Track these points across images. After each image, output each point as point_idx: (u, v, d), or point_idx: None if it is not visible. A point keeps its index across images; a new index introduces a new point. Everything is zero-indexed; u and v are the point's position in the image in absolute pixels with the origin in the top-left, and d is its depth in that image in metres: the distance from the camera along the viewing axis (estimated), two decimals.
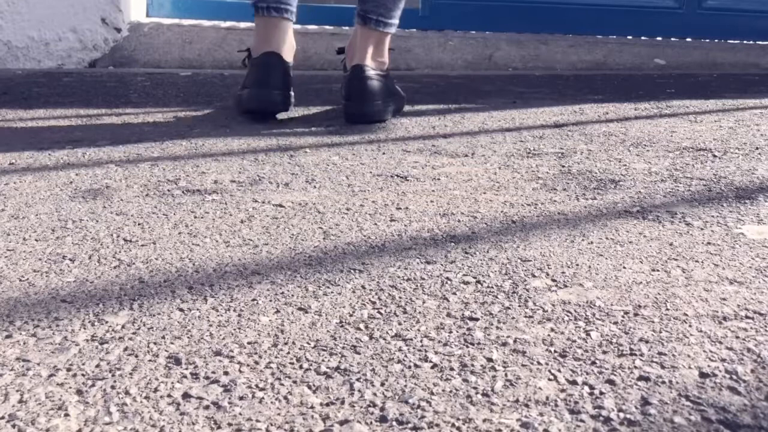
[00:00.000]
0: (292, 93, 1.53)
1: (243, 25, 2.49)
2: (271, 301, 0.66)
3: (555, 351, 0.57)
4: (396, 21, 1.54)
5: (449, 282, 0.71)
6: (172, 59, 2.39)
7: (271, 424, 0.48)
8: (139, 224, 0.86)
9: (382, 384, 0.53)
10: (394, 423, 0.48)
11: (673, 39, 2.71)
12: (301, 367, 0.55)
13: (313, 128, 1.44)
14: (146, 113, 1.57)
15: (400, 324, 0.62)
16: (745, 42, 2.74)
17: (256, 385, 0.52)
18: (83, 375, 0.53)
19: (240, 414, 0.49)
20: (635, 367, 0.55)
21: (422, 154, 1.23)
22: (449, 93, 1.94)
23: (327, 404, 0.50)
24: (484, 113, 1.63)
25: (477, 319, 0.63)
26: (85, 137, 1.33)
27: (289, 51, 1.53)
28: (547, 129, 1.45)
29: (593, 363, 0.56)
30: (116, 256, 0.77)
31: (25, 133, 1.37)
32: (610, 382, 0.53)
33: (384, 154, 1.24)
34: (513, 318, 0.63)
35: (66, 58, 2.35)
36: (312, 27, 2.57)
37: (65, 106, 1.64)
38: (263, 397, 0.51)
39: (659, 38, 2.72)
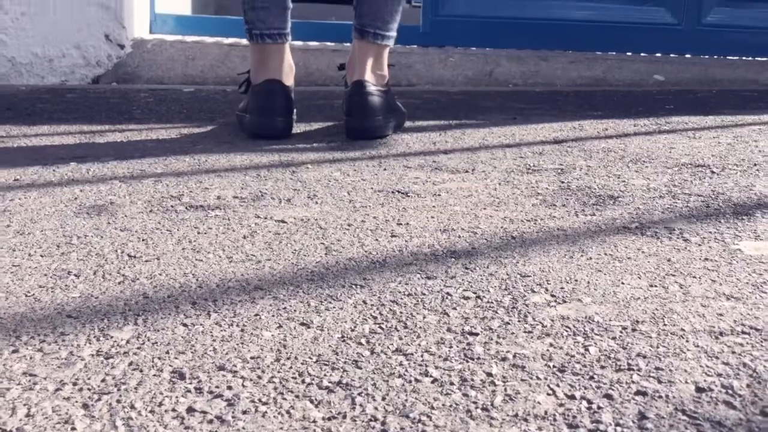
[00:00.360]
0: (295, 116, 1.54)
1: (245, 41, 2.51)
2: (273, 316, 0.67)
3: (554, 366, 0.58)
4: (394, 33, 1.56)
5: (449, 297, 0.72)
6: (175, 75, 2.41)
7: None
8: (143, 240, 0.87)
9: (383, 398, 0.53)
10: None
11: (672, 55, 2.73)
12: (303, 381, 0.56)
13: (315, 144, 1.46)
14: (149, 129, 1.59)
15: (400, 339, 0.63)
16: (744, 58, 2.76)
17: (259, 400, 0.53)
18: (89, 389, 0.54)
19: (243, 428, 0.50)
20: (633, 382, 0.56)
21: (423, 170, 1.24)
22: (450, 109, 1.95)
23: (329, 419, 0.51)
24: (485, 129, 1.64)
25: (477, 334, 0.64)
26: (89, 153, 1.34)
27: (288, 74, 1.55)
28: (546, 145, 1.47)
29: (591, 378, 0.56)
30: (121, 271, 0.78)
31: (29, 149, 1.38)
32: (608, 396, 0.54)
33: (385, 169, 1.25)
34: (512, 333, 0.64)
35: (69, 75, 2.37)
36: (314, 44, 2.59)
37: (69, 122, 1.66)
38: (266, 412, 0.52)
39: (658, 54, 2.73)
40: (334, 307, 0.69)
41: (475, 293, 0.73)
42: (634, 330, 0.64)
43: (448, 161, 1.32)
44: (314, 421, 0.51)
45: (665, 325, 0.66)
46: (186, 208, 1.01)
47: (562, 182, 1.17)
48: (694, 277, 0.77)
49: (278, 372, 0.57)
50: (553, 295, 0.72)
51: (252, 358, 0.59)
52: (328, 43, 2.60)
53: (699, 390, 0.55)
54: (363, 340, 0.63)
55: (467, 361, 0.59)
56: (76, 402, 0.53)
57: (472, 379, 0.56)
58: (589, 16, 2.72)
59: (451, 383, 0.56)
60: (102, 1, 2.34)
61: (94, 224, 0.93)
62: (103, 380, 0.56)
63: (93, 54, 2.37)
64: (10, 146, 1.40)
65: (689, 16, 2.74)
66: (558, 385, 0.55)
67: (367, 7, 1.52)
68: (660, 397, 0.54)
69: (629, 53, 2.72)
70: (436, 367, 0.58)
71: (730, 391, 0.54)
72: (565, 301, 0.71)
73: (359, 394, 0.54)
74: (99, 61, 2.38)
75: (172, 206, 1.02)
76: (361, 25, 1.52)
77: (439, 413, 0.52)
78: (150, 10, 2.57)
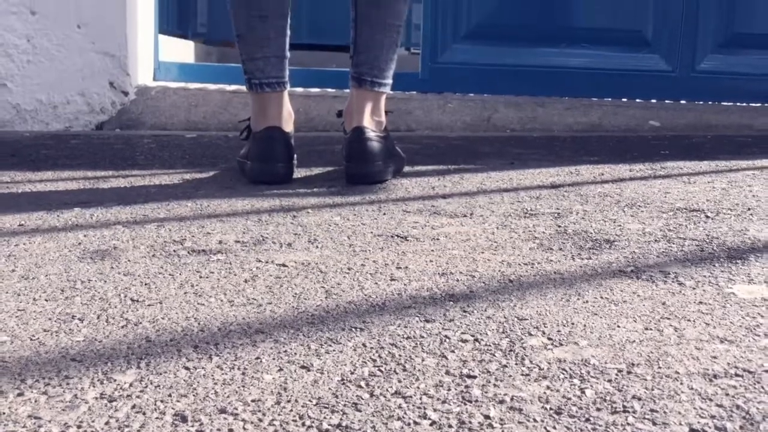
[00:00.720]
0: (295, 161, 1.57)
1: (245, 83, 2.56)
2: (274, 359, 0.68)
3: (551, 408, 0.59)
4: (390, 81, 1.59)
5: (448, 340, 0.73)
6: (178, 121, 2.44)
7: None
8: (146, 284, 0.89)
9: None
10: None
11: (667, 101, 2.78)
12: (303, 424, 0.57)
13: (316, 189, 1.48)
14: (152, 175, 1.61)
15: (399, 381, 0.64)
16: (738, 104, 2.80)
17: None
18: None
19: None
20: (628, 424, 0.57)
21: (422, 215, 1.26)
22: (448, 154, 1.98)
23: None
24: (483, 174, 1.66)
25: (475, 377, 0.65)
26: (92, 199, 1.36)
27: (288, 121, 1.58)
28: (543, 190, 1.49)
29: (587, 420, 0.57)
30: (124, 315, 0.79)
31: (33, 194, 1.40)
32: None
33: (385, 214, 1.27)
34: (510, 376, 0.65)
35: (73, 121, 2.41)
36: (314, 90, 2.63)
37: (73, 168, 1.68)
38: None
39: (654, 101, 2.78)
40: (334, 350, 0.70)
41: (473, 336, 0.74)
42: (629, 372, 0.65)
43: (447, 206, 1.33)
44: None
45: (660, 367, 0.67)
46: (188, 252, 1.03)
47: (559, 226, 1.18)
48: (689, 320, 0.78)
49: (279, 415, 0.58)
50: (549, 338, 0.73)
51: (253, 401, 0.60)
52: (329, 90, 2.64)
53: (693, 431, 0.56)
54: (362, 383, 0.63)
55: (465, 404, 0.60)
56: None
57: (470, 422, 0.57)
58: (584, 63, 2.77)
59: (450, 426, 0.56)
60: (108, 49, 2.38)
61: (98, 269, 0.95)
62: (106, 423, 0.56)
63: (97, 101, 2.41)
64: (15, 192, 1.42)
65: (683, 63, 2.79)
66: (554, 428, 0.56)
67: (364, 57, 1.55)
68: None
69: (624, 99, 2.77)
70: (435, 410, 0.59)
71: None
72: (561, 344, 0.72)
73: None
74: (103, 107, 2.42)
75: (174, 251, 1.03)
76: (359, 73, 1.56)
77: None
78: (154, 58, 2.62)
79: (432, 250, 1.04)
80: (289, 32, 1.58)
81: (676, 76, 2.80)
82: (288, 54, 1.59)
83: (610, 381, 0.64)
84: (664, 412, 0.58)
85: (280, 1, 1.53)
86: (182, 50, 3.37)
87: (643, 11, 2.77)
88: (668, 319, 0.78)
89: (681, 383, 0.63)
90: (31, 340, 0.72)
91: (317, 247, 1.06)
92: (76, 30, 2.37)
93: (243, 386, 0.63)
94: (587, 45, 2.77)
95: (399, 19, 1.56)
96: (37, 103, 2.39)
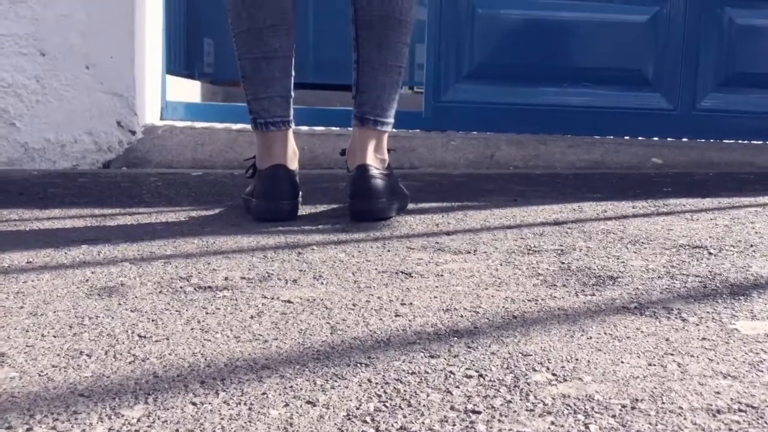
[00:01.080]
0: (300, 199, 1.59)
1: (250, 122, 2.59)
2: (280, 394, 0.69)
3: None
4: (392, 120, 1.61)
5: (452, 376, 0.73)
6: (184, 160, 2.47)
7: None
8: (153, 320, 0.90)
9: None
10: None
11: (669, 139, 2.80)
12: None
13: (320, 226, 1.49)
14: (159, 212, 1.63)
15: (405, 417, 0.64)
16: (740, 141, 2.82)
17: None
18: None
19: None
20: None
21: (426, 251, 1.27)
22: (452, 191, 2.00)
23: None
24: (486, 211, 1.68)
25: (480, 413, 0.65)
26: (100, 236, 1.37)
27: (292, 159, 1.60)
28: (547, 226, 1.50)
29: None
30: (131, 351, 0.79)
31: (41, 232, 1.42)
32: None
33: (389, 251, 1.27)
34: (514, 411, 0.65)
35: (81, 159, 2.44)
36: (319, 128, 2.66)
37: (80, 205, 1.70)
38: None
39: (656, 138, 2.80)
40: (339, 386, 0.71)
41: (477, 372, 0.74)
42: (633, 408, 0.66)
43: (451, 242, 1.34)
44: None
45: (664, 403, 0.67)
46: (195, 289, 1.04)
47: (563, 263, 1.19)
48: (692, 356, 0.79)
49: None
50: (554, 374, 0.73)
51: None
52: (333, 128, 2.67)
53: None
54: (368, 418, 0.64)
55: None
56: None
57: None
58: (586, 102, 2.80)
59: None
60: (116, 89, 2.42)
61: (106, 305, 0.95)
62: None
63: (105, 140, 2.44)
64: (23, 229, 1.44)
65: (684, 101, 2.82)
66: None
67: (367, 96, 1.58)
68: None
69: (627, 137, 2.79)
70: None
71: None
72: (565, 380, 0.72)
73: None
74: (110, 146, 2.45)
75: (181, 287, 1.04)
76: (362, 113, 1.58)
77: None
78: (161, 97, 2.66)
79: (436, 287, 1.05)
80: (293, 72, 1.61)
81: (677, 114, 2.82)
82: (293, 93, 1.61)
83: (614, 416, 0.64)
84: None
85: (285, 42, 1.56)
86: (189, 90, 3.41)
87: (643, 51, 2.81)
88: (672, 354, 0.79)
89: (685, 418, 0.64)
90: (40, 375, 0.73)
91: (322, 283, 1.07)
92: (85, 70, 2.41)
93: (249, 421, 0.63)
94: (588, 84, 2.81)
95: (401, 60, 1.59)
96: (45, 142, 2.42)
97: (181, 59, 3.73)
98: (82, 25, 2.39)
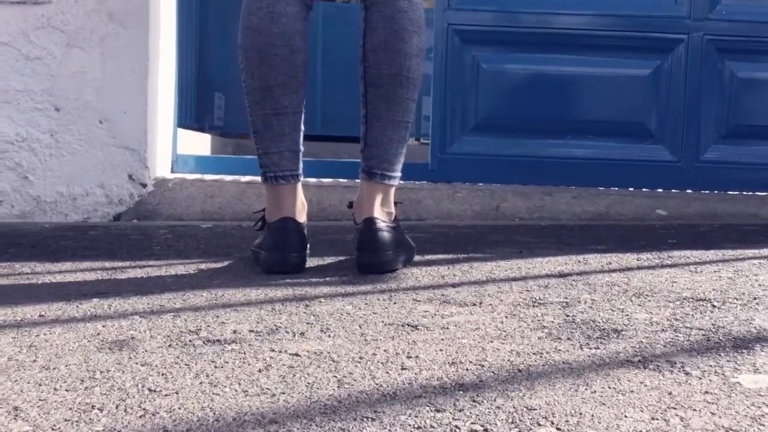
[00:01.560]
0: (308, 251, 1.61)
1: (260, 176, 2.63)
2: None
3: None
4: (399, 174, 1.65)
5: (458, 430, 0.74)
6: (194, 212, 2.51)
7: None
8: (162, 374, 0.91)
9: None
10: None
11: (673, 191, 2.82)
12: None
13: (328, 278, 1.51)
14: (169, 265, 1.65)
15: None
16: (744, 193, 2.84)
17: None
18: None
19: None
20: None
21: (432, 303, 1.29)
22: (458, 243, 2.01)
23: None
24: (492, 263, 1.69)
25: None
26: (111, 289, 1.40)
27: (301, 212, 1.63)
28: (552, 278, 1.51)
29: None
30: (142, 405, 0.81)
31: (53, 285, 1.44)
32: None
33: (395, 303, 1.29)
34: None
35: (92, 212, 2.47)
36: (327, 180, 2.70)
37: (91, 258, 1.73)
38: None
39: (660, 190, 2.82)
40: None
41: (482, 426, 0.75)
42: None
43: (457, 294, 1.36)
44: None
45: None
46: (203, 342, 1.05)
47: (567, 316, 1.20)
48: (695, 409, 0.79)
49: None
50: (558, 428, 0.74)
51: None
52: (341, 180, 2.71)
53: None
54: None
55: None
56: None
57: None
58: (590, 154, 2.84)
59: None
60: (128, 143, 2.47)
61: (116, 359, 0.97)
62: None
63: (116, 193, 2.48)
64: (35, 282, 1.46)
65: (688, 153, 2.85)
66: None
67: (374, 151, 1.61)
68: None
69: (631, 189, 2.81)
70: None
71: None
72: None
73: None
74: (121, 199, 2.48)
75: (190, 341, 1.06)
76: (369, 167, 1.61)
77: None
78: (172, 151, 2.71)
79: (442, 339, 1.06)
80: (302, 127, 1.65)
81: (681, 166, 2.85)
82: (302, 148, 1.65)
83: None
84: None
85: (295, 99, 1.60)
86: (199, 142, 3.47)
87: (646, 104, 2.85)
88: (674, 408, 0.80)
89: None
90: (53, 430, 0.74)
91: (329, 336, 1.08)
92: (98, 125, 2.46)
93: None
94: (592, 137, 2.84)
95: (408, 116, 1.63)
96: (58, 195, 2.46)
97: (192, 113, 3.81)
98: (97, 81, 2.45)
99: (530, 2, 2.83)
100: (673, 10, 2.84)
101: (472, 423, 0.76)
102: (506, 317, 1.19)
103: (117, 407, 0.80)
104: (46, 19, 2.44)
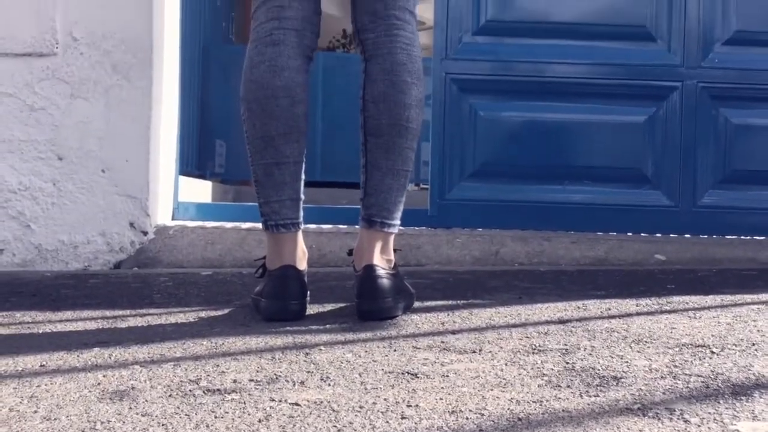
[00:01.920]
0: (308, 298, 1.62)
1: (261, 225, 2.65)
2: None
3: None
4: (398, 221, 1.66)
5: None
6: (194, 259, 2.52)
7: None
8: (162, 425, 0.91)
9: None
10: None
11: (672, 235, 2.83)
12: None
13: (328, 325, 1.51)
14: (169, 313, 1.66)
15: None
16: (742, 237, 2.85)
17: None
18: None
19: None
20: None
21: (432, 351, 1.29)
22: (457, 289, 2.02)
23: None
24: (492, 309, 1.70)
25: None
26: (111, 338, 1.40)
27: (302, 259, 1.65)
28: (552, 325, 1.52)
29: None
30: None
31: (54, 334, 1.44)
32: None
33: (395, 351, 1.29)
34: None
35: (92, 260, 2.48)
36: (327, 226, 2.72)
37: (92, 307, 1.73)
38: None
39: (658, 234, 2.84)
40: None
41: None
42: None
43: (456, 341, 1.36)
44: None
45: None
46: (204, 392, 1.05)
47: (567, 363, 1.21)
48: None
49: None
50: None
51: None
52: (341, 226, 2.73)
53: None
54: None
55: None
56: None
57: None
58: (588, 199, 2.86)
59: None
60: (130, 192, 2.50)
61: (117, 410, 0.97)
62: None
63: (117, 241, 2.50)
64: (36, 332, 1.47)
65: (685, 198, 2.87)
66: None
67: (374, 199, 1.63)
68: None
69: (630, 233, 2.83)
70: None
71: None
72: None
73: None
74: (122, 247, 2.50)
75: (190, 390, 1.06)
76: (369, 215, 1.63)
77: None
78: (173, 198, 2.73)
79: (442, 388, 1.07)
80: (303, 176, 1.67)
81: (678, 211, 2.87)
82: (303, 196, 1.67)
83: None
84: None
85: (296, 148, 1.62)
86: (200, 189, 3.50)
87: (642, 150, 2.88)
88: None
89: None
90: None
91: (329, 384, 1.08)
92: (101, 174, 2.49)
93: None
94: (590, 182, 2.87)
95: (407, 165, 1.65)
96: (59, 243, 2.47)
97: (194, 160, 3.85)
98: (101, 131, 2.49)
99: (525, 52, 2.89)
100: (666, 58, 2.89)
101: None
102: (506, 365, 1.20)
103: None
104: (51, 70, 2.49)
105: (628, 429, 0.89)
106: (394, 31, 1.65)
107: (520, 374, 1.14)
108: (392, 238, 1.67)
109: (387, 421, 0.92)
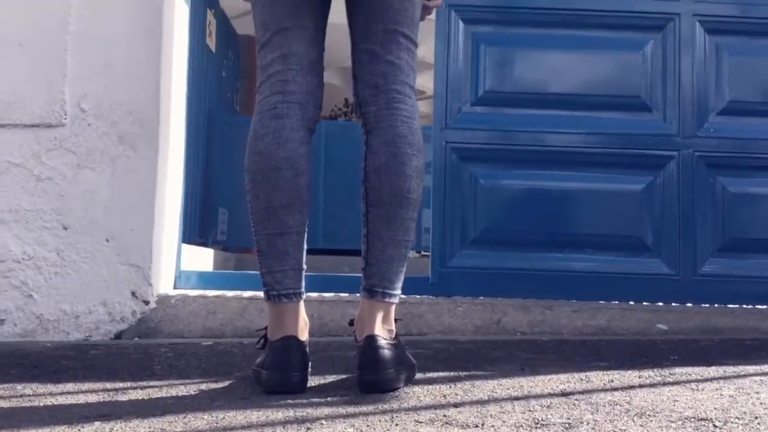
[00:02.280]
0: (309, 369, 1.62)
1: (263, 293, 2.65)
2: None
3: None
4: (399, 291, 1.67)
5: None
6: (195, 329, 2.51)
7: None
8: None
9: None
10: None
11: (674, 304, 2.83)
12: None
13: (329, 398, 1.50)
14: (169, 386, 1.65)
15: None
16: (744, 306, 2.84)
17: None
18: None
19: None
20: None
21: (434, 425, 1.28)
22: (459, 360, 2.01)
23: None
24: (494, 381, 1.69)
25: None
26: (112, 412, 1.39)
27: (303, 330, 1.65)
28: (554, 398, 1.51)
29: None
30: None
31: (55, 407, 1.44)
32: None
33: (397, 425, 1.29)
34: None
35: (93, 330, 2.48)
36: (328, 295, 2.72)
37: (93, 379, 1.73)
38: None
39: (660, 303, 2.84)
40: None
41: None
42: None
43: (459, 415, 1.35)
44: None
45: None
46: None
47: None
48: None
49: None
50: None
51: None
52: (342, 294, 2.73)
53: None
54: None
55: None
56: None
57: None
58: (589, 267, 2.86)
59: None
60: (133, 261, 2.51)
61: None
62: None
63: (118, 310, 2.50)
64: (37, 405, 1.46)
65: (685, 267, 2.88)
66: None
67: (375, 269, 1.65)
68: None
69: (632, 302, 2.83)
70: None
71: None
72: None
73: None
74: (123, 317, 2.50)
75: None
76: (370, 285, 1.64)
77: None
78: (176, 267, 2.75)
79: None
80: (305, 246, 1.69)
81: (679, 279, 2.87)
82: (305, 266, 1.68)
83: None
84: None
85: (299, 219, 1.65)
86: (202, 257, 3.52)
87: (641, 218, 2.91)
88: None
89: None
90: None
91: None
92: (105, 243, 2.51)
93: None
94: (590, 250, 2.88)
95: (408, 235, 1.67)
96: (61, 313, 2.47)
97: (196, 228, 3.87)
98: (106, 200, 2.52)
99: (524, 121, 2.94)
100: (662, 128, 2.95)
101: None
102: None
103: None
104: (59, 141, 2.53)
105: None
106: (395, 104, 1.69)
107: None
108: (393, 308, 1.68)
109: None
